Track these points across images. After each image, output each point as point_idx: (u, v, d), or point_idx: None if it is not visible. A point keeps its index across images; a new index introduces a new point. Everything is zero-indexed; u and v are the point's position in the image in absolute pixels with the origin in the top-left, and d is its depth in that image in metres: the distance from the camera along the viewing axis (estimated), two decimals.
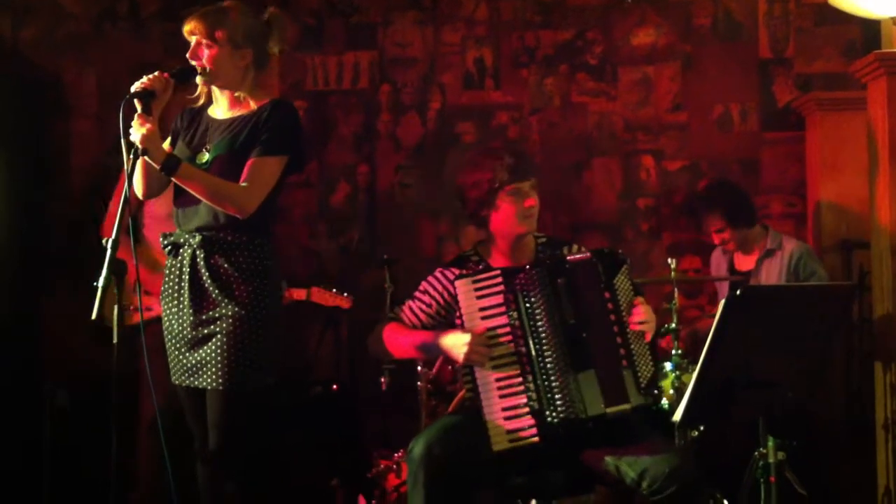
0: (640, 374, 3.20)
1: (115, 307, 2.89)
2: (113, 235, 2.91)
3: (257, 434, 3.38)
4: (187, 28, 3.30)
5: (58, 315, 5.36)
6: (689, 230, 5.43)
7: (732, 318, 2.89)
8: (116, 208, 4.21)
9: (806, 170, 5.37)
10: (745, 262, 4.90)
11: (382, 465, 4.55)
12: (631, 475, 3.11)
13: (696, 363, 3.00)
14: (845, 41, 5.41)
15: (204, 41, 3.28)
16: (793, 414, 3.12)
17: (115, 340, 2.88)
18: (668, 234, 5.52)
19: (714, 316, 2.98)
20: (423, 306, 3.43)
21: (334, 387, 5.08)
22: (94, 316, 2.85)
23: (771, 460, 3.10)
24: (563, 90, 5.59)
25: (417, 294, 3.47)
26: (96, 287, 2.86)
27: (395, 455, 4.53)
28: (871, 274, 4.45)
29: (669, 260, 4.50)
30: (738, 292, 2.88)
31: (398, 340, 3.41)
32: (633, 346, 3.22)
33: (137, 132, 3.09)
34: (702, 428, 4.09)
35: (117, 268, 2.88)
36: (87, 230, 4.46)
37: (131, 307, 4.12)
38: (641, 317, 3.24)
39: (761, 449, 3.11)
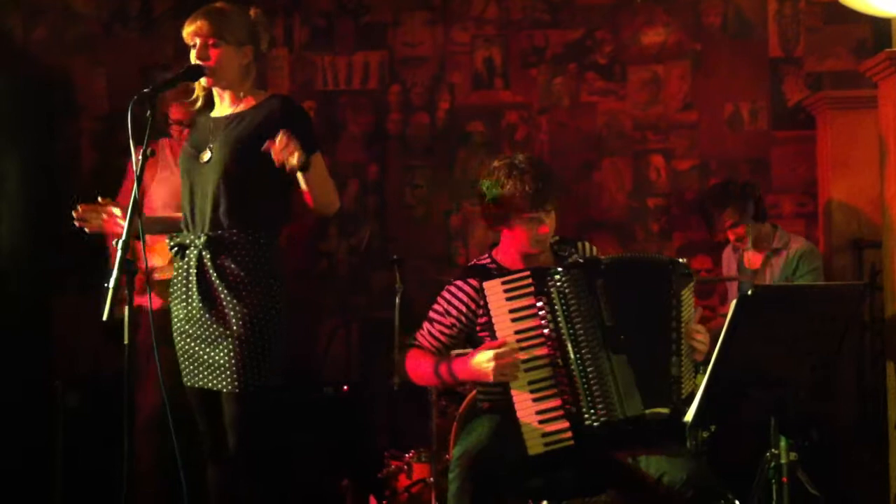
0: (683, 386, 3.19)
1: (126, 308, 2.89)
2: (123, 236, 2.92)
3: (271, 432, 3.38)
4: (191, 29, 3.30)
5: (69, 314, 5.38)
6: (699, 230, 5.42)
7: (743, 318, 2.87)
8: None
9: (816, 169, 5.36)
10: (755, 261, 4.88)
11: (393, 466, 4.55)
12: (649, 477, 3.11)
13: (708, 364, 3.00)
14: (856, 40, 5.39)
15: (210, 41, 3.29)
16: (804, 414, 3.11)
17: (125, 341, 2.88)
18: (679, 234, 5.51)
19: (725, 316, 2.97)
20: (444, 328, 3.36)
21: (345, 388, 5.08)
22: (104, 317, 2.85)
23: (783, 461, 3.08)
24: (572, 90, 5.59)
25: (435, 315, 3.39)
26: (107, 287, 2.87)
27: (406, 455, 4.54)
28: (882, 273, 4.44)
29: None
30: (749, 292, 2.87)
31: (421, 371, 3.35)
32: (684, 359, 3.20)
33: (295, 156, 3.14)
34: (713, 428, 4.08)
35: (127, 268, 2.89)
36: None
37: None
38: (700, 336, 3.23)
39: (773, 450, 3.10)
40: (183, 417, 3.41)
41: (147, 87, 3.16)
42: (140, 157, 3.04)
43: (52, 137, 5.60)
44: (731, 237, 4.89)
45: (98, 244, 4.33)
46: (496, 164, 3.34)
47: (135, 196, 3.00)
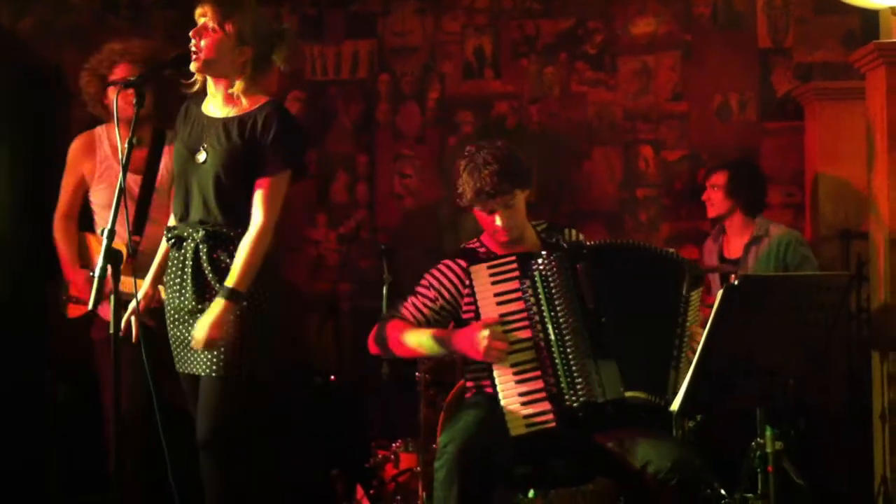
0: (680, 381, 3.20)
1: (112, 297, 2.90)
2: (108, 225, 2.93)
3: (254, 424, 3.39)
4: (199, 10, 3.34)
5: (60, 304, 5.36)
6: (688, 220, 5.43)
7: (730, 308, 2.89)
8: (68, 195, 4.27)
9: (805, 160, 5.37)
10: (734, 250, 4.88)
11: (381, 456, 4.56)
12: (635, 465, 3.13)
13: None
14: (844, 31, 5.39)
15: (211, 25, 3.31)
16: (792, 403, 3.13)
17: (111, 330, 2.89)
18: (667, 224, 5.51)
19: (710, 307, 2.98)
20: (428, 301, 3.40)
21: (332, 378, 5.08)
22: (90, 306, 2.87)
23: (769, 450, 3.10)
24: (562, 80, 5.58)
25: (420, 290, 3.43)
26: (93, 277, 2.88)
27: (394, 445, 4.55)
28: (869, 264, 4.46)
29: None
30: (735, 282, 2.89)
31: (403, 338, 3.36)
32: (683, 356, 3.22)
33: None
34: (699, 418, 4.10)
35: (113, 257, 2.89)
36: (88, 219, 4.48)
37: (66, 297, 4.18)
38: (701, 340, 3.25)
39: (759, 439, 3.12)
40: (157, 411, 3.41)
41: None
42: (126, 146, 3.05)
43: (43, 127, 5.58)
44: (705, 196, 4.87)
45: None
46: (466, 152, 3.43)
47: (120, 185, 3.02)
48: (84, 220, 4.33)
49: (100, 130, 4.30)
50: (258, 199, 3.31)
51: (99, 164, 4.23)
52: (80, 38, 5.64)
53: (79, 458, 4.83)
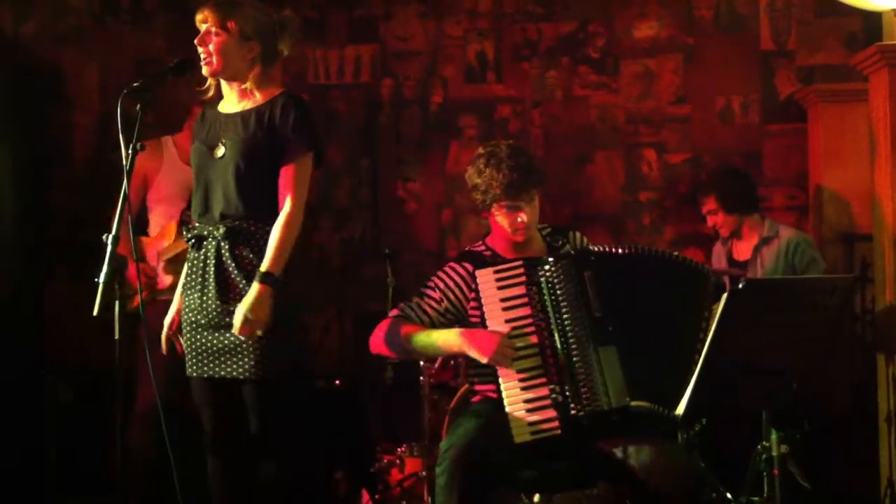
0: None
1: (117, 303, 2.89)
2: (113, 231, 2.93)
3: (291, 418, 3.39)
4: (199, 17, 3.36)
5: (60, 305, 5.37)
6: (691, 223, 5.42)
7: (735, 311, 2.88)
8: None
9: (808, 162, 5.37)
10: (743, 252, 4.89)
11: (385, 460, 4.55)
12: (640, 473, 3.12)
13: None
14: (847, 33, 5.40)
15: (213, 29, 3.33)
16: (797, 406, 3.12)
17: (116, 336, 2.89)
18: (671, 227, 5.51)
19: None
20: (433, 303, 3.37)
21: (337, 382, 5.08)
22: (95, 312, 2.86)
23: (774, 453, 3.09)
24: (564, 83, 5.58)
25: (426, 291, 3.40)
26: (97, 282, 2.87)
27: (399, 449, 4.54)
28: (873, 266, 4.45)
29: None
30: (740, 286, 2.88)
31: (407, 338, 3.32)
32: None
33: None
34: (704, 422, 4.09)
35: (118, 263, 2.89)
36: (88, 221, 4.49)
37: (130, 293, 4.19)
38: None
39: (764, 442, 3.11)
40: (183, 409, 3.43)
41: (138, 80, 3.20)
42: (129, 152, 3.05)
43: (44, 129, 5.59)
44: (710, 223, 4.90)
45: (91, 234, 4.35)
46: (480, 150, 3.40)
47: (125, 192, 3.02)
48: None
49: (166, 138, 4.49)
50: (285, 183, 3.31)
51: (164, 163, 4.43)
52: (80, 42, 5.66)
53: (79, 458, 4.83)
